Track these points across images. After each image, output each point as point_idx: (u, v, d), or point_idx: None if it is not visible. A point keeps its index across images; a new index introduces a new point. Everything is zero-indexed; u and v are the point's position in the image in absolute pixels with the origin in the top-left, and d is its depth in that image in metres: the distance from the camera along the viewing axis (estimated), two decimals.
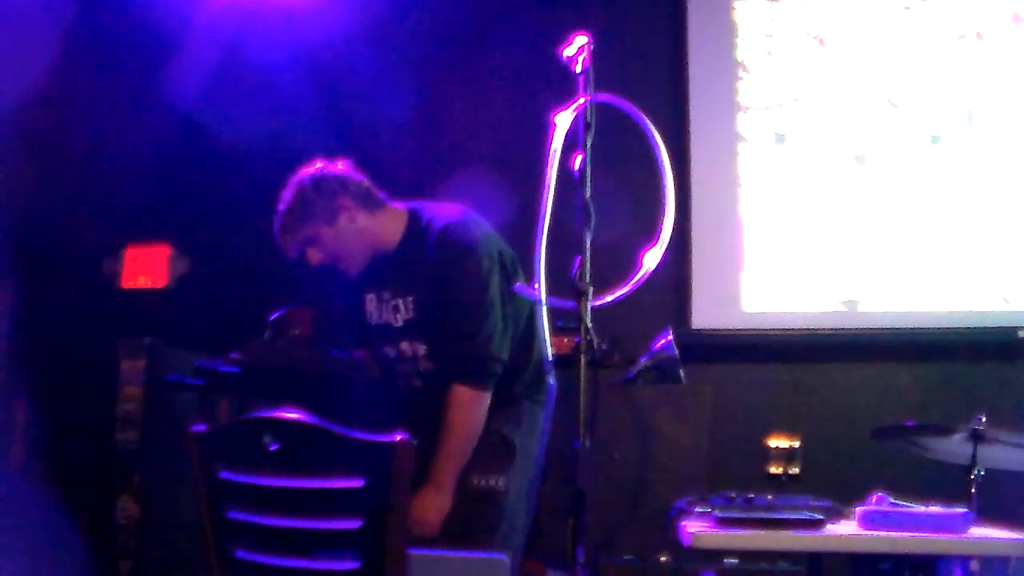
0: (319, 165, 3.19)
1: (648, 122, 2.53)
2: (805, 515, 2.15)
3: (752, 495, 2.43)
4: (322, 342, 3.33)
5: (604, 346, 4.13)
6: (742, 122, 4.80)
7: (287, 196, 3.15)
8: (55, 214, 5.04)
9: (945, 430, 3.19)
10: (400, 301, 3.12)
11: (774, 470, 4.38)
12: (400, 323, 3.12)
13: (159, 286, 5.10)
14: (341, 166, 3.19)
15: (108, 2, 4.82)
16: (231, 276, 4.88)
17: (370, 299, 3.18)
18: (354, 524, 2.12)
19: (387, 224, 3.16)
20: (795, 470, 4.36)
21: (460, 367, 3.00)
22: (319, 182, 3.13)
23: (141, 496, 4.04)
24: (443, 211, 3.15)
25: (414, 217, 3.16)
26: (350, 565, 2.15)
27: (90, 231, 5.12)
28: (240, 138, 4.74)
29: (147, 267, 5.12)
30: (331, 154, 3.25)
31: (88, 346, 4.67)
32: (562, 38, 2.51)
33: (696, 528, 2.20)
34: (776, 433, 4.44)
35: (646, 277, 2.41)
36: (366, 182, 3.19)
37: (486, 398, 2.99)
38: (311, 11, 4.89)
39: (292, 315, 3.67)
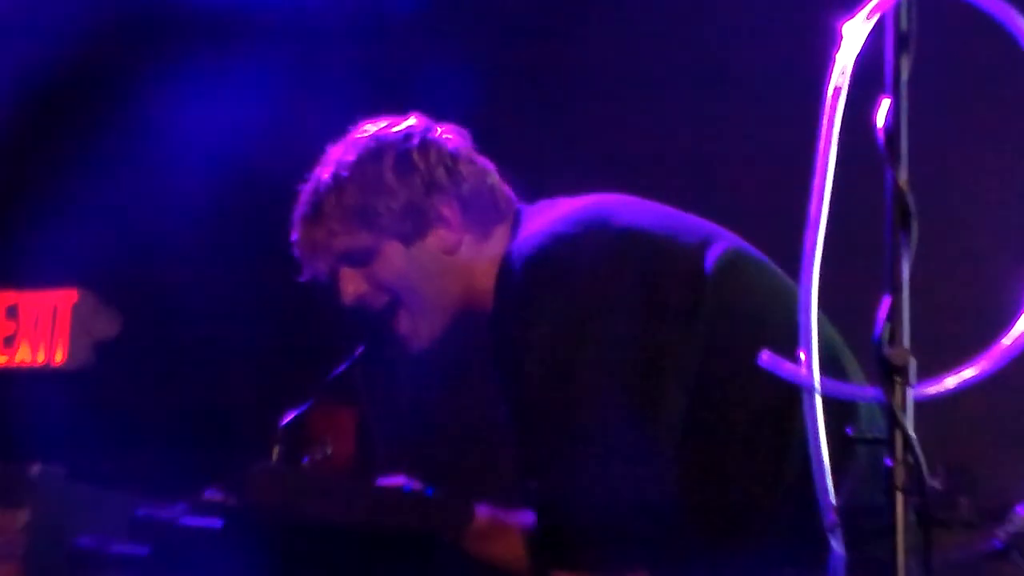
0: (412, 121, 1.79)
1: None
2: None
3: None
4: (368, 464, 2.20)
5: (937, 483, 2.74)
6: None
7: (337, 175, 1.78)
8: None
9: None
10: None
11: None
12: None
13: None
14: (449, 133, 1.81)
15: None
16: None
17: None
18: None
19: (490, 259, 1.78)
20: None
21: (538, 536, 1.69)
22: (402, 156, 1.74)
23: None
24: (533, 234, 1.73)
25: (507, 256, 1.73)
26: None
27: None
28: None
29: None
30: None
31: None
32: None
33: None
34: None
35: None
36: (492, 174, 1.82)
37: None
38: None
39: (315, 421, 2.16)
